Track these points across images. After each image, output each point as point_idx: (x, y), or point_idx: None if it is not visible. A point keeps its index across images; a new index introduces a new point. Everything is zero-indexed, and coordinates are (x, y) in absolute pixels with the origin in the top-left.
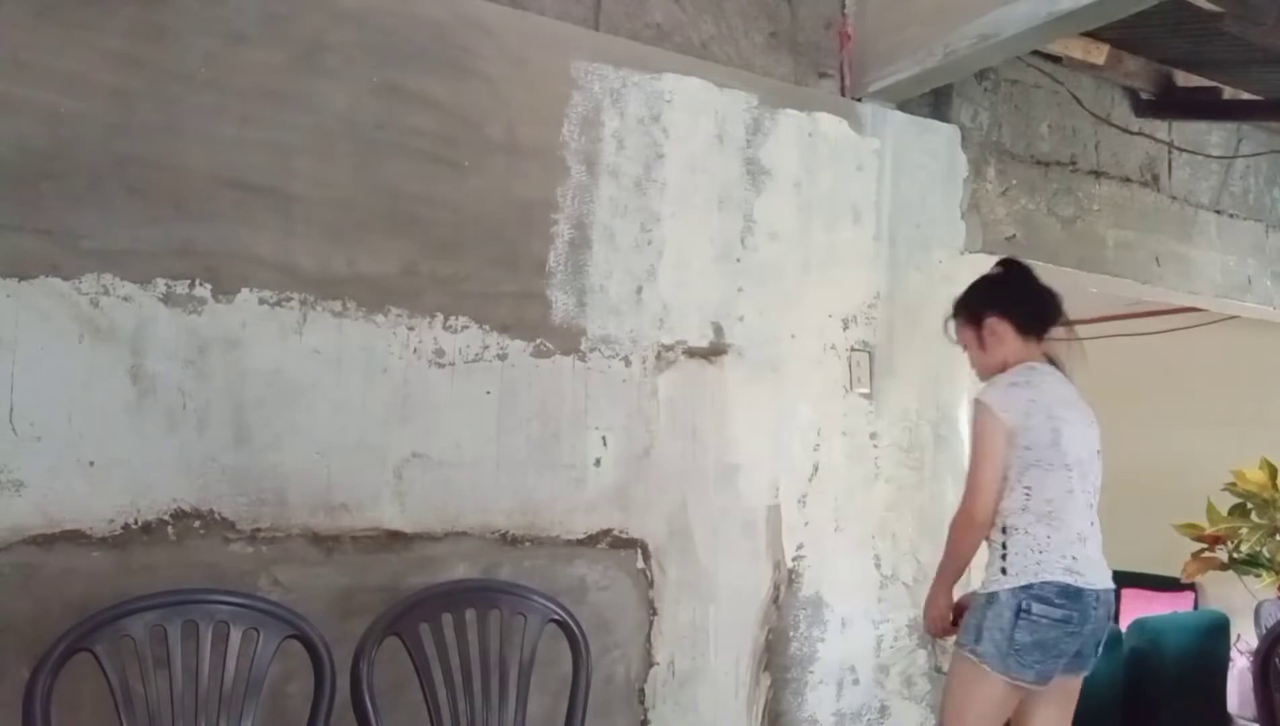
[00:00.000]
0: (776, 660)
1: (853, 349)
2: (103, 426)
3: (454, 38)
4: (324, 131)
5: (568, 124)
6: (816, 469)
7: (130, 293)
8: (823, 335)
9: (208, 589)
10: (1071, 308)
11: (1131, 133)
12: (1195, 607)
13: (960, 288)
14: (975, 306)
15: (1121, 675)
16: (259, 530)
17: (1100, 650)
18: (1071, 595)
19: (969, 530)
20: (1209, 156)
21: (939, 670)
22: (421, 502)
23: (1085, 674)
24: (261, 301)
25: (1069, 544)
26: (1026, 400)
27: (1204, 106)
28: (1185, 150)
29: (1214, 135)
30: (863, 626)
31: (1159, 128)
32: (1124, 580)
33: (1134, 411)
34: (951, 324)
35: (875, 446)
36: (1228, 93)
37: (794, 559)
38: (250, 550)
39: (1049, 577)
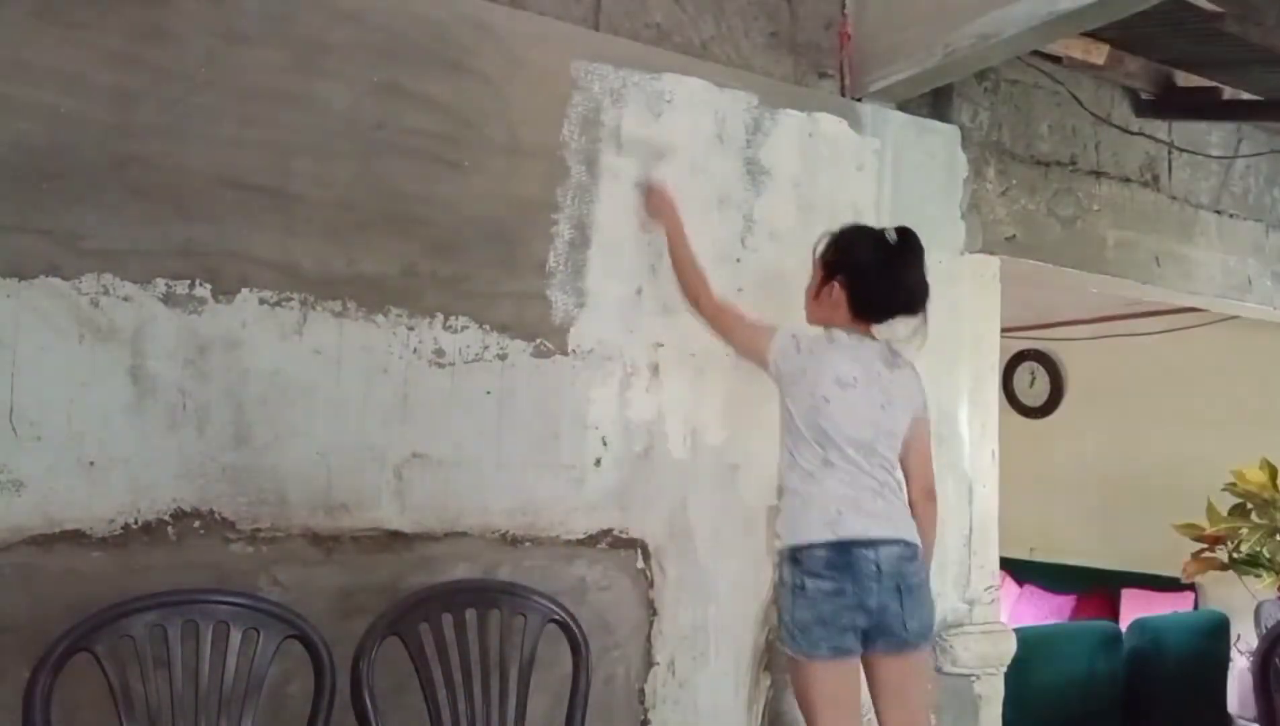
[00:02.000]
0: (777, 660)
1: None
2: (103, 426)
3: (454, 37)
4: (324, 131)
5: (568, 124)
6: None
7: (130, 292)
8: None
9: (208, 589)
10: (1072, 307)
11: (1131, 133)
12: (1195, 608)
13: (961, 287)
14: (834, 262)
15: (1121, 675)
16: (259, 530)
17: (918, 625)
18: (839, 567)
19: (683, 288)
20: (1209, 156)
21: (939, 670)
22: (421, 503)
23: (913, 651)
24: (261, 301)
25: (834, 501)
26: (799, 369)
27: (1204, 107)
28: (1185, 150)
29: (1214, 135)
30: None
31: (1159, 128)
32: (1124, 580)
33: (1134, 411)
34: (818, 247)
35: None
36: (1228, 93)
37: None
38: (250, 550)
39: (812, 538)
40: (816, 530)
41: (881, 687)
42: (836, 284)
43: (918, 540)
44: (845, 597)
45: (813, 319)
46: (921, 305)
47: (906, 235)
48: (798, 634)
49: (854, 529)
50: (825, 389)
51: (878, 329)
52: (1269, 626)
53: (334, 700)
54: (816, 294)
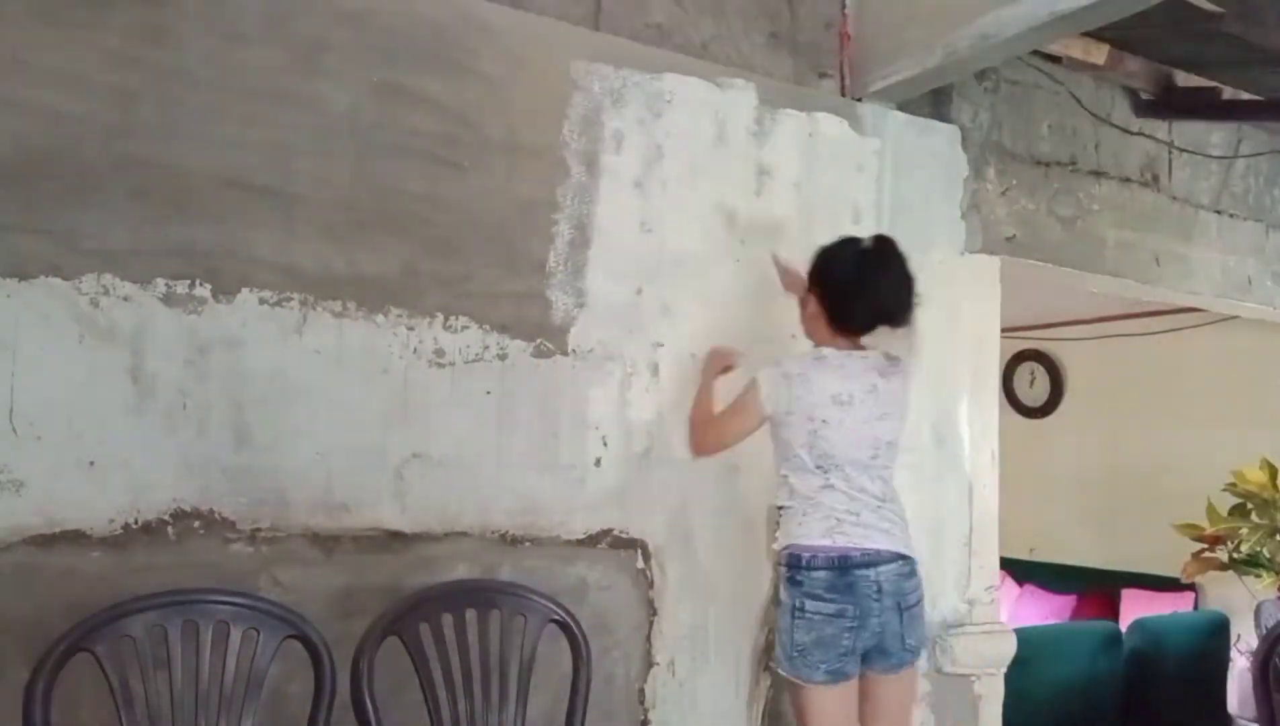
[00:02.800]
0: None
1: None
2: (103, 426)
3: (454, 38)
4: (324, 131)
5: (568, 124)
6: None
7: (130, 293)
8: None
9: (208, 589)
10: (1072, 307)
11: (1131, 133)
12: (1195, 608)
13: (961, 287)
14: (811, 275)
15: (1121, 675)
16: (259, 530)
17: (915, 642)
18: (840, 589)
19: (694, 444)
20: (1209, 157)
21: (939, 671)
22: (421, 503)
23: (908, 668)
24: (261, 301)
25: (833, 513)
26: (793, 398)
27: (1204, 107)
28: (1185, 150)
29: (1214, 135)
30: None
31: (1159, 128)
32: (1124, 580)
33: (1134, 411)
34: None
35: None
36: (1228, 93)
37: None
38: (250, 550)
39: (812, 542)
40: (816, 537)
41: (876, 706)
42: (812, 298)
43: (915, 555)
44: (845, 619)
45: (807, 334)
46: (904, 318)
47: (882, 242)
48: (795, 656)
49: (854, 538)
50: (823, 411)
51: (869, 340)
52: (1269, 626)
53: (334, 700)
54: (803, 307)
